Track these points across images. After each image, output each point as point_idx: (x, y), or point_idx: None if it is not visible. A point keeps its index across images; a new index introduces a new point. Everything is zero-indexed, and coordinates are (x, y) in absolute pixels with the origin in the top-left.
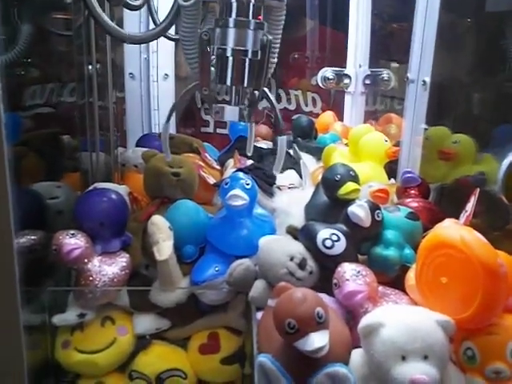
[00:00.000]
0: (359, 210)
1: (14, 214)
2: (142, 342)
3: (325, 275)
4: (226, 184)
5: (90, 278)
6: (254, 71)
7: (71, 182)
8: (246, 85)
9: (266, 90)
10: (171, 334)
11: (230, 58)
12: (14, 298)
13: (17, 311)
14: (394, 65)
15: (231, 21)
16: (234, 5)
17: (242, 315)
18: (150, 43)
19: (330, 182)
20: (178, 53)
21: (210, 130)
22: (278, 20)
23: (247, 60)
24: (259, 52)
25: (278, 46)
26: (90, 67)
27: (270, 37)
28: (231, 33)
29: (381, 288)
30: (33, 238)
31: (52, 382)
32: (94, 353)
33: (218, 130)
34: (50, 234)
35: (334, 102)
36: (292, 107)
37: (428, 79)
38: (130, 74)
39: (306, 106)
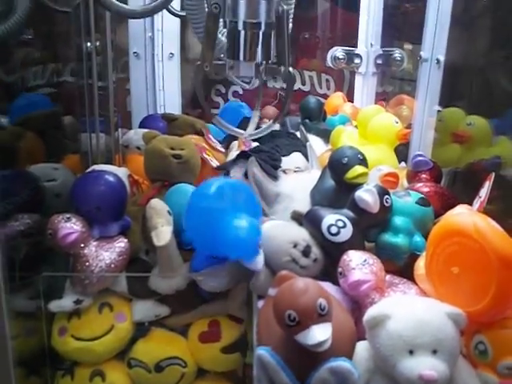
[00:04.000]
0: (367, 195)
1: (5, 198)
2: (141, 329)
3: (330, 263)
4: None
5: (87, 264)
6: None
7: (71, 164)
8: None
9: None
10: (171, 321)
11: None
12: None
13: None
14: (407, 46)
15: None
16: None
17: (244, 303)
18: (155, 21)
19: (337, 165)
20: (184, 33)
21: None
22: None
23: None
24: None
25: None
26: (89, 45)
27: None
28: (243, 4)
29: (388, 277)
30: (28, 221)
31: (49, 370)
32: (92, 340)
33: None
34: (46, 217)
35: (349, 84)
36: (306, 88)
37: (442, 58)
38: (135, 53)
39: (321, 87)
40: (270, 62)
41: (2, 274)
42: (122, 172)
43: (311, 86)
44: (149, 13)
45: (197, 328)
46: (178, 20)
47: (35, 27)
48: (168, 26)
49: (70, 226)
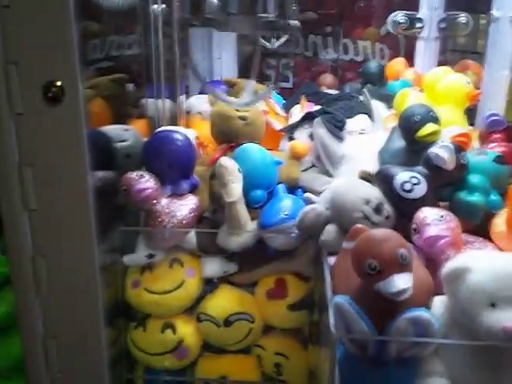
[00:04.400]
0: (442, 152)
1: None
2: (210, 285)
3: (401, 221)
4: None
5: (159, 219)
6: None
7: (137, 128)
8: None
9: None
10: (238, 278)
11: None
12: (90, 238)
13: (93, 251)
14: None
15: None
16: None
17: (311, 261)
18: None
19: (409, 124)
20: None
21: (272, 84)
22: None
23: None
24: None
25: None
26: (155, 7)
27: None
28: None
29: (463, 236)
30: (103, 177)
31: (122, 321)
32: (164, 293)
33: (281, 85)
34: (119, 176)
35: (405, 52)
36: (359, 58)
37: None
38: (194, 24)
39: (374, 57)
40: None
41: (95, 228)
42: (190, 133)
43: (365, 55)
44: None
45: (264, 285)
46: None
47: None
48: None
49: (144, 183)
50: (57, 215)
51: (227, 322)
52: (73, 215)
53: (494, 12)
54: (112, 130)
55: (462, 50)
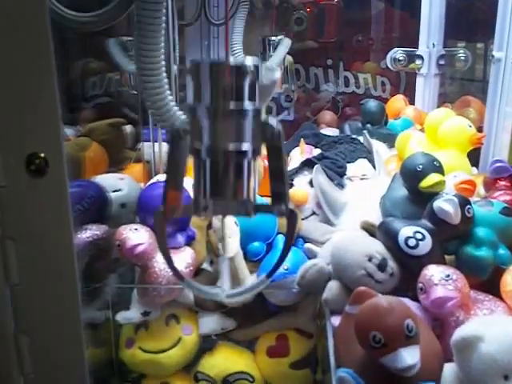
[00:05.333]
0: (447, 205)
1: (74, 209)
2: (208, 343)
3: (407, 276)
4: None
5: (155, 275)
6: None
7: (134, 172)
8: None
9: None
10: (238, 334)
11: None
12: (75, 297)
13: (77, 310)
14: (472, 44)
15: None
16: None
17: (313, 317)
18: (211, 30)
19: (411, 173)
20: None
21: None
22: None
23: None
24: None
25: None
26: None
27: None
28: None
29: (472, 293)
30: (96, 232)
31: (116, 381)
32: (159, 352)
33: (280, 117)
34: (113, 227)
35: (406, 86)
36: (360, 91)
37: None
38: (192, 60)
39: (375, 90)
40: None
41: (80, 286)
42: (186, 182)
43: (366, 88)
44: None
45: (264, 342)
46: None
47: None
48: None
49: (138, 238)
50: (40, 289)
51: (226, 382)
52: (57, 288)
53: (495, 53)
54: (107, 179)
55: (467, 78)
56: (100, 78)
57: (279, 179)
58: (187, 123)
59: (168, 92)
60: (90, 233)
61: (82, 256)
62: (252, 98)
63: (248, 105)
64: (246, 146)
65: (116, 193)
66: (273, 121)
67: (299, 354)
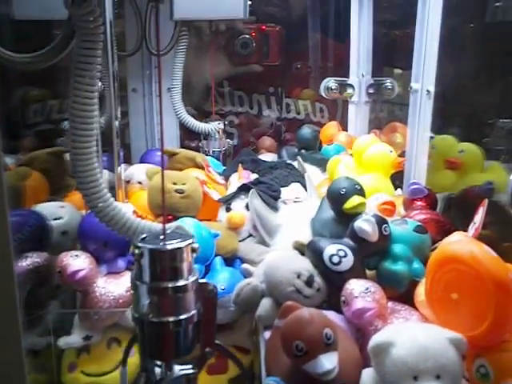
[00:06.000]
0: (366, 225)
1: (14, 237)
2: None
3: (333, 291)
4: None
5: (95, 300)
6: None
7: (75, 200)
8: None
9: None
10: None
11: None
12: (16, 326)
13: (18, 339)
14: (398, 71)
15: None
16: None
17: (250, 334)
18: (153, 59)
19: (335, 196)
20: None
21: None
22: None
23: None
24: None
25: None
26: None
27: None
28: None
29: (390, 304)
30: (37, 260)
31: None
32: (101, 375)
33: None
34: (54, 255)
35: (342, 112)
36: (301, 117)
37: (432, 88)
38: (133, 89)
39: (315, 116)
40: None
41: (21, 314)
42: (126, 208)
43: (306, 114)
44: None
45: None
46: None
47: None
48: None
49: (79, 264)
50: None
51: None
52: None
53: (413, 84)
54: (47, 207)
55: (395, 102)
56: (42, 106)
57: (210, 327)
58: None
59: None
60: (30, 260)
61: (22, 283)
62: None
63: (184, 280)
64: (185, 316)
65: (57, 221)
66: (209, 283)
67: (237, 370)
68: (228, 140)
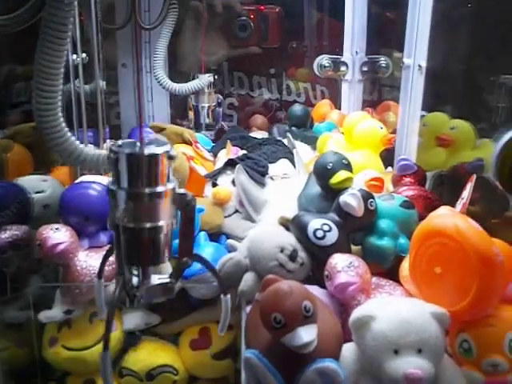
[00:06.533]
0: (351, 199)
1: None
2: (132, 339)
3: (317, 266)
4: None
5: (76, 274)
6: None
7: (60, 175)
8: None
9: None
10: (161, 329)
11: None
12: None
13: None
14: (394, 53)
15: None
16: None
17: (233, 309)
18: (144, 34)
19: (322, 171)
20: (174, 43)
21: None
22: None
23: None
24: None
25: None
26: (75, 57)
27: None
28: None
29: (375, 279)
30: (16, 233)
31: (40, 381)
32: (83, 350)
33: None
34: (35, 229)
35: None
36: (301, 100)
37: (424, 63)
38: (123, 64)
39: (315, 98)
40: None
41: None
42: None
43: (306, 97)
44: None
45: (187, 335)
46: None
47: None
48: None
49: (59, 237)
50: None
51: (149, 376)
52: None
53: (405, 59)
54: (29, 180)
55: (388, 84)
56: (25, 85)
57: (188, 237)
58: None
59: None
60: (9, 233)
61: (1, 257)
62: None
63: (161, 187)
64: (162, 223)
65: (38, 194)
66: (187, 193)
67: (220, 345)
68: (218, 95)
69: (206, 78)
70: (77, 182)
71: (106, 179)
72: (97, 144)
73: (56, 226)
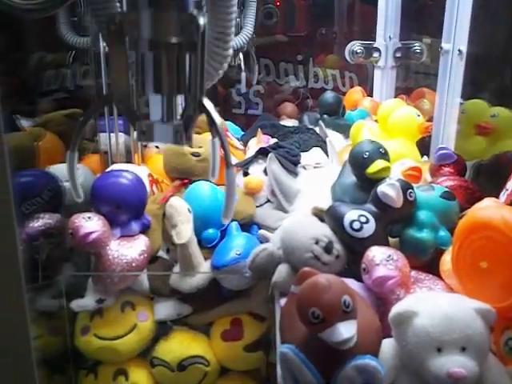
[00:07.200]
0: (390, 190)
1: (26, 198)
2: (163, 328)
3: (353, 259)
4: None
5: (108, 263)
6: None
7: (91, 163)
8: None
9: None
10: (193, 319)
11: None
12: (19, 292)
13: (22, 306)
14: (427, 39)
15: None
16: None
17: (266, 301)
18: None
19: (358, 160)
20: None
21: (241, 111)
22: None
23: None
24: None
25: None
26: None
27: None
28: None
29: (413, 273)
30: (49, 221)
31: (72, 369)
32: (114, 339)
33: (250, 111)
34: (67, 217)
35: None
36: (329, 87)
37: (464, 48)
38: None
39: (344, 85)
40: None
41: (23, 274)
42: (141, 171)
43: (334, 84)
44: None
45: (219, 327)
46: None
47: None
48: None
49: (91, 226)
50: None
51: (181, 367)
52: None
53: (443, 45)
54: (61, 169)
55: (420, 71)
56: (56, 73)
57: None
58: None
59: None
60: (42, 221)
61: (34, 245)
62: None
63: None
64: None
65: None
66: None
67: (253, 337)
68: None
69: None
70: (108, 170)
71: (137, 168)
72: (127, 132)
73: (88, 214)
